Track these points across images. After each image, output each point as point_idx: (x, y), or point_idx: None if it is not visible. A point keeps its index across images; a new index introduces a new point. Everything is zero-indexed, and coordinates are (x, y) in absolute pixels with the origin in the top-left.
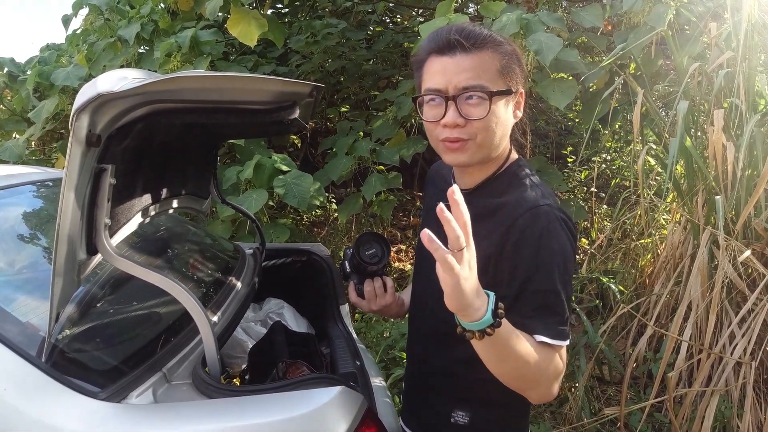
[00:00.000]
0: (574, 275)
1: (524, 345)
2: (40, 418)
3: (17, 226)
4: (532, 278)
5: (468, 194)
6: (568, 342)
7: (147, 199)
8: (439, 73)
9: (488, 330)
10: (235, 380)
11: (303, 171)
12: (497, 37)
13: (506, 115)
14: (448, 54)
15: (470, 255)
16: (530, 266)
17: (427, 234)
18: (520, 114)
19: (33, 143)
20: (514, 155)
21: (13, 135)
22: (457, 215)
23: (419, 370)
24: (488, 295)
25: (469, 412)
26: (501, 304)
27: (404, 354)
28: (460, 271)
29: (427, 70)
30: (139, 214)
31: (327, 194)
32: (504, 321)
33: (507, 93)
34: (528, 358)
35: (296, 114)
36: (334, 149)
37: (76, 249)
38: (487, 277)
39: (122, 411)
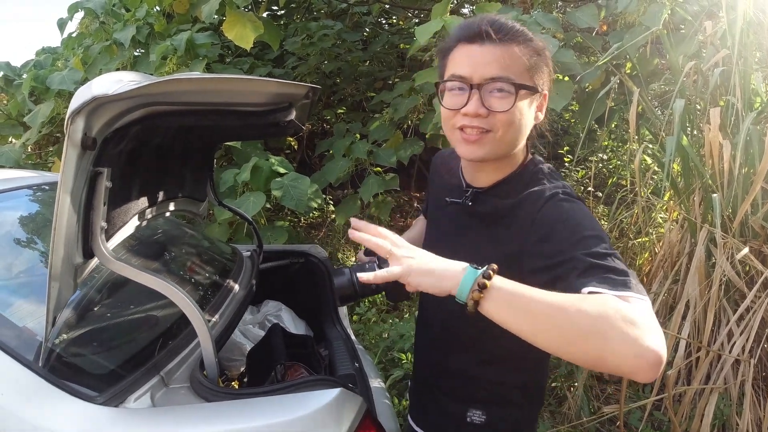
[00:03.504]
0: None
1: (555, 296)
2: (39, 422)
3: (14, 230)
4: (569, 251)
5: (481, 194)
6: (637, 294)
7: (144, 201)
8: (466, 60)
9: (479, 284)
10: (233, 383)
11: (300, 173)
12: (529, 33)
13: (529, 113)
14: (477, 43)
15: (401, 245)
16: (564, 243)
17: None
18: (541, 116)
19: (29, 147)
20: (529, 155)
21: (10, 139)
22: (368, 232)
23: (433, 371)
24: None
25: (486, 411)
26: (493, 266)
27: (403, 355)
28: (404, 258)
29: (453, 57)
30: (136, 217)
31: (325, 196)
32: (505, 280)
33: (533, 90)
34: (567, 306)
35: (292, 116)
36: (332, 151)
37: (72, 253)
38: (512, 276)
39: (120, 415)
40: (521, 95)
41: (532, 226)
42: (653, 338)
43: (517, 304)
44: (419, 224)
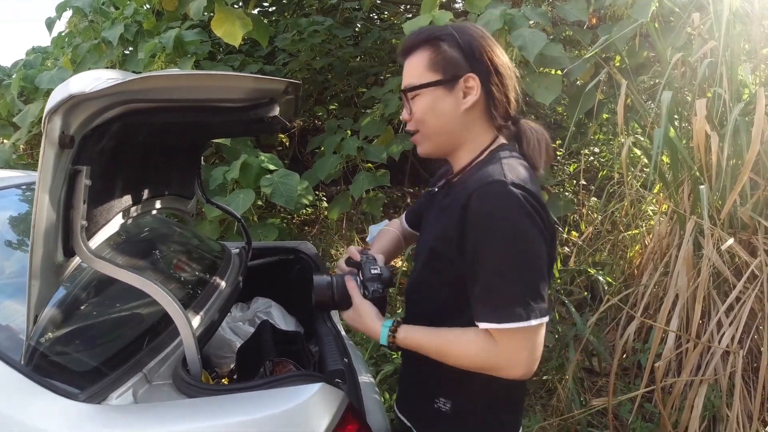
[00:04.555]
0: (563, 267)
1: (455, 344)
2: (20, 420)
3: (0, 230)
4: (478, 258)
5: (449, 180)
6: (520, 323)
7: (128, 200)
8: None
9: (390, 348)
10: (224, 380)
11: (292, 170)
12: (432, 34)
13: (445, 104)
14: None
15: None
16: (477, 245)
17: None
18: (473, 98)
19: (20, 147)
20: (500, 141)
21: (0, 140)
22: None
23: (409, 357)
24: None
25: (451, 399)
26: (393, 326)
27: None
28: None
29: None
30: (120, 215)
31: (317, 193)
32: (411, 335)
33: (434, 84)
34: (465, 351)
35: (276, 111)
36: (323, 148)
37: (52, 251)
38: (451, 261)
39: (102, 412)
40: (419, 95)
41: (461, 212)
42: (529, 366)
43: (415, 347)
44: (387, 235)
